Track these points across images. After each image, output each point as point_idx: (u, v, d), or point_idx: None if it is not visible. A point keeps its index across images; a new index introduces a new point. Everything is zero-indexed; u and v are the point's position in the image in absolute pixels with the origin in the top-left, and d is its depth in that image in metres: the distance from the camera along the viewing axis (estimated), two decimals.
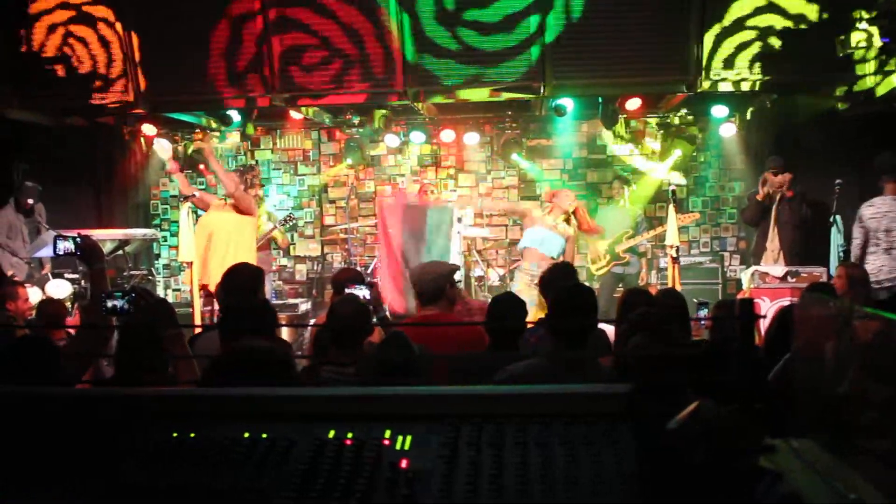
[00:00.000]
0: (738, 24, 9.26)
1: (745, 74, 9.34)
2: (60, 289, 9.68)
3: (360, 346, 4.94)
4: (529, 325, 5.82)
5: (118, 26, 9.82)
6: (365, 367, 4.41)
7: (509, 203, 10.27)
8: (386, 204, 10.15)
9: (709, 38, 9.30)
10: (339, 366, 4.68)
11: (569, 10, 9.37)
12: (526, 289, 8.85)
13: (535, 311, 7.76)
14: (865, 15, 8.21)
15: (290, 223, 11.85)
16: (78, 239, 4.87)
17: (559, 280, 6.04)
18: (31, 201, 10.35)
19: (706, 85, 9.46)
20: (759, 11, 9.21)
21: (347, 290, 5.68)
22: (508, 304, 5.41)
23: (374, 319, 5.64)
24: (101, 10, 9.78)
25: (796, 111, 10.62)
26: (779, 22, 9.15)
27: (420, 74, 9.70)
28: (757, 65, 9.27)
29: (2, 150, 10.37)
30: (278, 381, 3.01)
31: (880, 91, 8.56)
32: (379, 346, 4.32)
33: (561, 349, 4.23)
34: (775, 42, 9.21)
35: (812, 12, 9.01)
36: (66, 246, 4.91)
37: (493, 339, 5.22)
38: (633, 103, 10.75)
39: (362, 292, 5.60)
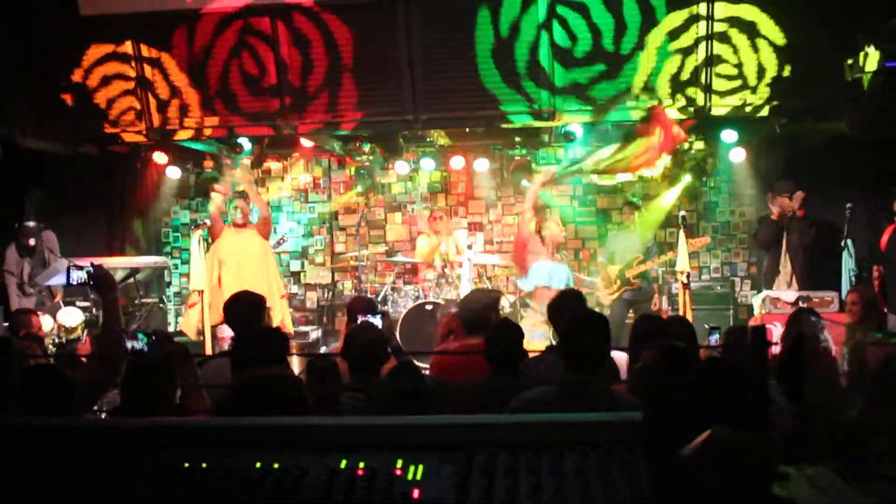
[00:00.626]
0: (746, 49, 9.29)
1: (754, 100, 9.36)
2: (72, 317, 9.70)
3: (377, 373, 4.95)
4: (536, 353, 5.81)
5: (130, 61, 9.92)
6: (377, 396, 4.41)
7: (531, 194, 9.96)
8: None
9: (717, 64, 9.33)
10: (357, 392, 4.69)
11: (573, 37, 9.44)
12: (539, 325, 8.79)
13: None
14: (872, 39, 8.22)
15: (282, 244, 11.90)
16: (91, 269, 4.88)
17: (569, 307, 6.02)
18: (32, 242, 10.38)
19: (715, 110, 9.48)
20: (766, 37, 9.25)
21: (360, 319, 5.69)
22: (507, 330, 5.39)
23: (389, 348, 5.64)
24: (120, 47, 9.92)
25: (806, 135, 10.61)
26: (786, 47, 9.18)
27: (429, 103, 9.75)
28: (765, 90, 9.30)
29: (16, 178, 10.41)
30: (291, 411, 3.01)
31: (888, 114, 8.56)
32: (389, 375, 4.32)
33: (573, 377, 4.21)
34: (783, 67, 9.23)
35: (820, 37, 9.04)
36: (79, 276, 4.92)
37: (495, 367, 5.18)
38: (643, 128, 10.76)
39: (377, 320, 5.61)
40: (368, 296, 11.95)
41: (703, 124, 10.65)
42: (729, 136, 11.01)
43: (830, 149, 10.29)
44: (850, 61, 8.44)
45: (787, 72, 9.21)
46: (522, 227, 9.60)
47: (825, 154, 10.56)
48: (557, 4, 9.40)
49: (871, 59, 8.26)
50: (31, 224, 10.42)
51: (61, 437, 2.33)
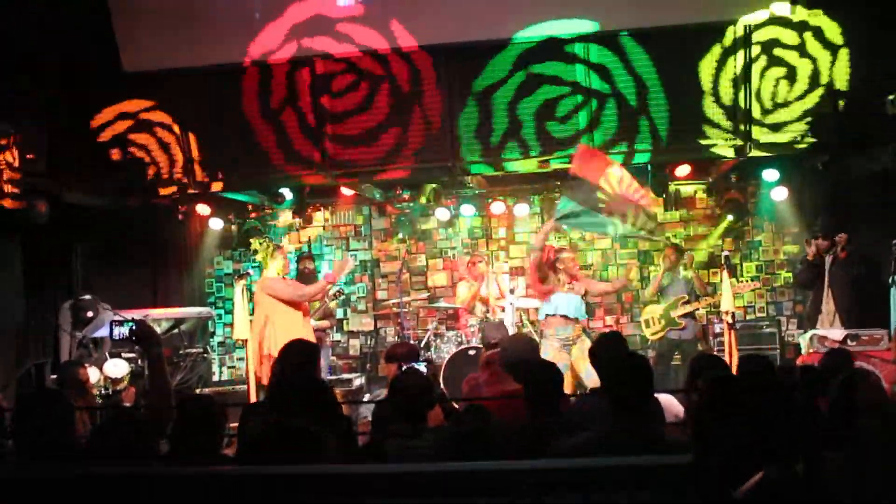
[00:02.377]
0: (786, 87, 9.29)
1: (795, 138, 9.34)
2: (118, 368, 9.75)
3: (425, 418, 4.96)
4: (576, 395, 5.79)
5: (172, 113, 10.12)
6: (441, 442, 4.43)
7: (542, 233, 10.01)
8: None
9: (755, 103, 9.34)
10: (406, 438, 4.69)
11: (612, 81, 9.51)
12: (557, 354, 8.80)
13: (567, 376, 7.74)
14: None
15: (341, 297, 11.93)
16: (133, 325, 4.91)
17: (612, 350, 6.00)
18: (90, 314, 10.45)
19: (756, 150, 9.46)
20: (805, 74, 9.24)
21: (406, 365, 5.72)
22: (547, 372, 5.38)
23: (434, 395, 5.64)
24: (158, 105, 10.13)
25: (848, 171, 10.54)
26: (826, 83, 9.16)
27: (468, 148, 9.85)
28: (806, 127, 9.27)
29: (62, 233, 10.56)
30: (306, 461, 3.01)
31: None
32: (455, 420, 4.35)
33: (621, 420, 4.18)
34: (824, 104, 9.21)
35: (859, 72, 9.03)
36: (121, 331, 4.98)
37: (533, 409, 5.16)
38: (683, 170, 10.75)
39: (423, 367, 5.64)
40: (411, 342, 11.95)
41: (745, 164, 10.64)
42: (770, 174, 10.98)
43: (873, 184, 10.21)
44: (891, 96, 8.40)
45: (827, 108, 9.19)
46: (532, 264, 9.66)
47: (868, 189, 10.47)
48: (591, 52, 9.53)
49: None
50: (87, 297, 10.51)
51: (116, 485, 2.35)
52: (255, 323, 9.37)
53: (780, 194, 11.59)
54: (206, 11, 9.92)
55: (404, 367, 5.69)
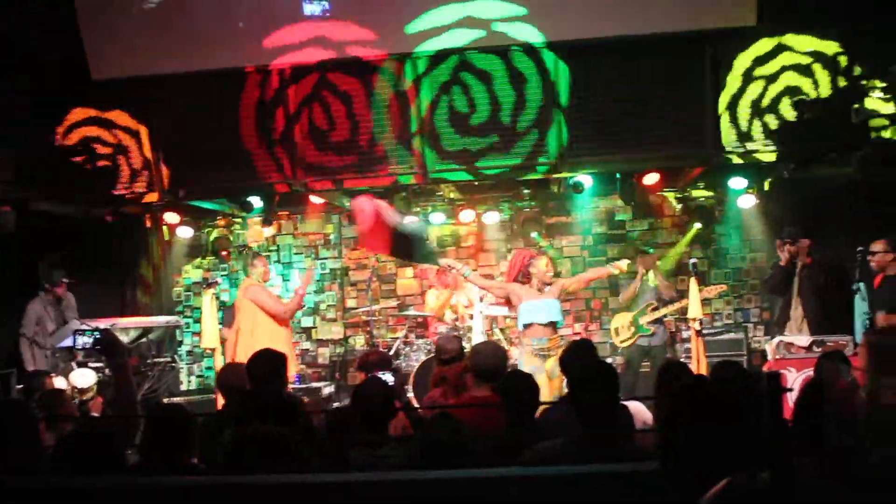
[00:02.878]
0: (753, 97, 9.40)
1: (762, 146, 9.44)
2: (85, 378, 9.68)
3: (386, 427, 4.95)
4: (545, 404, 5.79)
5: (141, 121, 10.09)
6: (413, 449, 4.42)
7: (487, 283, 10.03)
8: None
9: (724, 112, 9.43)
10: (369, 448, 4.68)
11: (584, 89, 9.57)
12: (529, 357, 8.75)
13: (542, 381, 7.71)
14: (879, 84, 8.29)
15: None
16: (97, 334, 4.86)
17: (581, 358, 6.01)
18: (60, 290, 10.42)
19: (723, 158, 9.55)
20: (772, 83, 9.35)
21: (374, 374, 5.70)
22: (521, 382, 5.38)
23: (400, 403, 5.64)
24: (126, 113, 10.07)
25: (815, 180, 10.64)
26: (793, 93, 9.27)
27: (437, 156, 9.88)
28: (773, 136, 9.38)
29: (29, 242, 10.47)
30: (282, 468, 3.01)
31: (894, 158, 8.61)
32: (425, 428, 4.35)
33: (588, 429, 4.20)
34: (790, 113, 9.32)
35: (826, 83, 9.14)
36: (84, 341, 4.94)
37: (510, 419, 5.17)
38: (652, 178, 10.82)
39: (389, 377, 5.62)
40: (381, 350, 11.95)
41: (712, 172, 10.72)
42: (737, 182, 11.06)
43: (840, 193, 10.31)
44: (856, 106, 8.49)
45: (793, 118, 9.29)
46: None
47: (835, 198, 10.57)
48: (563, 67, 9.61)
49: (878, 104, 8.32)
50: (58, 270, 10.47)
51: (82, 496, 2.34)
52: (241, 331, 9.36)
53: (747, 202, 11.68)
54: (175, 20, 9.91)
55: (373, 374, 5.68)
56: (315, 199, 11.82)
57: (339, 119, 10.06)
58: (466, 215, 12.51)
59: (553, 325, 8.91)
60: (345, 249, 13.71)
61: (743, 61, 9.50)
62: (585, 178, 10.50)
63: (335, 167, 10.22)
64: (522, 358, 8.90)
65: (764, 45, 9.43)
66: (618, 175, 11.07)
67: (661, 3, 9.44)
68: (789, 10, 9.16)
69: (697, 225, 12.42)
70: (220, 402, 8.69)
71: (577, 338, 11.99)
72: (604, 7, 9.55)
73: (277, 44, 9.83)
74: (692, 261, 9.66)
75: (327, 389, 11.81)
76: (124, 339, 10.21)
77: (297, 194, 11.34)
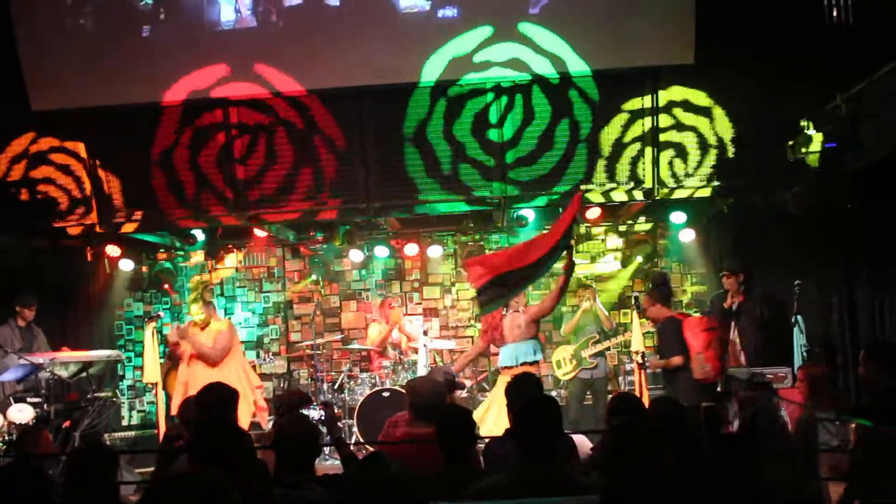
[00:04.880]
0: (692, 133, 9.56)
1: (701, 182, 9.61)
2: (23, 413, 9.54)
3: (311, 467, 4.89)
4: (487, 439, 5.80)
5: (81, 153, 10.02)
6: (343, 489, 4.40)
7: (468, 355, 10.05)
8: None
9: (664, 148, 9.59)
10: (290, 488, 4.63)
11: (526, 126, 9.68)
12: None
13: None
14: (812, 122, 8.47)
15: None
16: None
17: (524, 392, 6.01)
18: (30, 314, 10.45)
19: (663, 193, 9.70)
20: (710, 120, 9.54)
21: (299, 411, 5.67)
22: (458, 418, 5.31)
23: (330, 439, 5.59)
24: (67, 144, 10.01)
25: (753, 214, 10.82)
26: (730, 130, 9.47)
27: (382, 190, 9.92)
28: (711, 172, 9.56)
29: None
30: None
31: (829, 193, 8.77)
32: (358, 467, 4.32)
33: (528, 463, 4.21)
34: (728, 149, 9.51)
35: (762, 120, 9.34)
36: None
37: (446, 455, 5.15)
38: (593, 212, 10.93)
39: (316, 413, 5.59)
40: (299, 389, 11.95)
41: (653, 206, 10.86)
42: (678, 217, 11.22)
43: (777, 227, 10.48)
44: (790, 142, 8.67)
45: (730, 154, 9.48)
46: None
47: (773, 232, 10.74)
48: (505, 99, 9.71)
49: (812, 140, 8.49)
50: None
51: None
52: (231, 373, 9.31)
53: (687, 236, 11.84)
54: (111, 53, 9.87)
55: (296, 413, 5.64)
56: (259, 233, 11.79)
57: (282, 152, 10.06)
58: (410, 249, 12.55)
59: (527, 366, 8.90)
60: (288, 283, 13.66)
61: (679, 97, 9.68)
62: (528, 212, 10.59)
63: (278, 200, 10.20)
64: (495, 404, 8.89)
65: (699, 81, 9.62)
66: (560, 209, 11.17)
67: (602, 40, 9.59)
68: (726, 48, 9.34)
69: (639, 258, 12.59)
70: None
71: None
72: (544, 41, 9.67)
73: (217, 77, 9.82)
74: (634, 294, 9.76)
75: (270, 425, 11.72)
76: (64, 373, 10.09)
77: (241, 228, 11.31)
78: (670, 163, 9.81)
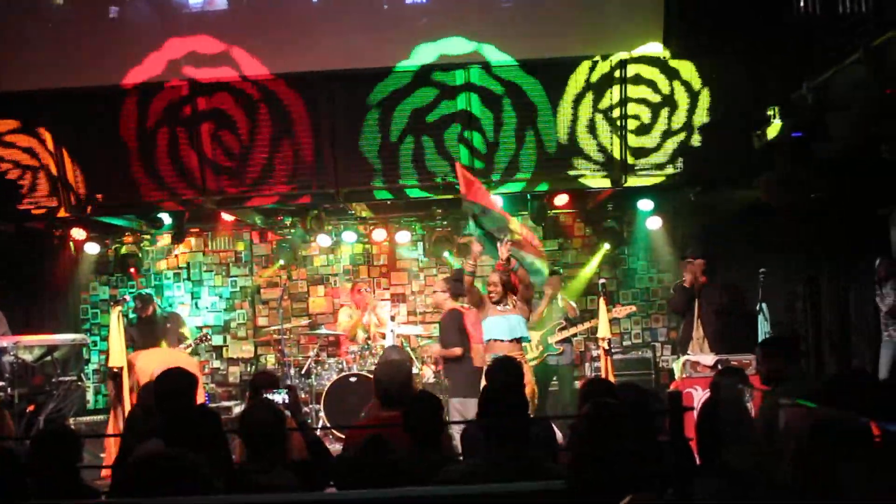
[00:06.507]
0: (659, 122, 9.60)
1: (668, 170, 9.66)
2: None
3: (277, 452, 4.87)
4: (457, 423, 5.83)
5: (46, 135, 9.90)
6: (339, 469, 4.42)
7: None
8: None
9: (631, 135, 9.62)
10: (261, 473, 4.62)
11: (495, 110, 9.67)
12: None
13: None
14: (779, 111, 8.53)
15: (205, 342, 11.99)
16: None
17: (501, 376, 5.98)
18: None
19: (631, 180, 9.74)
20: (678, 109, 9.58)
21: (265, 395, 5.65)
22: (427, 403, 5.31)
23: (296, 423, 5.58)
24: (35, 122, 9.93)
25: (720, 203, 10.90)
26: (697, 119, 9.51)
27: (350, 175, 9.89)
28: (678, 160, 9.61)
29: None
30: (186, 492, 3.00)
31: (795, 182, 8.85)
32: (361, 449, 4.36)
33: (497, 448, 4.23)
34: (695, 138, 9.56)
35: (729, 109, 9.40)
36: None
37: (415, 440, 5.12)
38: (561, 199, 10.97)
39: (280, 397, 5.56)
40: (268, 370, 11.97)
41: (620, 194, 10.91)
42: (645, 205, 11.29)
43: (744, 216, 10.56)
44: (757, 132, 8.73)
45: (697, 143, 9.53)
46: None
47: (739, 221, 10.83)
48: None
49: (779, 129, 8.56)
50: None
51: None
52: None
53: (654, 224, 11.92)
54: (78, 33, 9.77)
55: (261, 397, 5.62)
56: (226, 217, 11.73)
57: (251, 136, 10.00)
58: (379, 234, 12.54)
59: (517, 342, 8.85)
60: (256, 267, 13.61)
61: (647, 86, 9.71)
62: (497, 198, 10.60)
63: (247, 184, 10.16)
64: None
65: (668, 70, 9.66)
66: (528, 195, 11.22)
67: (570, 27, 9.60)
68: (694, 38, 9.39)
69: (606, 246, 12.64)
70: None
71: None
72: (516, 30, 9.67)
73: (188, 62, 9.74)
74: (601, 281, 9.82)
75: (237, 408, 11.70)
76: (28, 357, 10.01)
77: (208, 211, 11.25)
78: (637, 150, 9.84)
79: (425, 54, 9.69)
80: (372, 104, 9.82)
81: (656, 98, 9.75)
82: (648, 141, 9.83)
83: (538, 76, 9.73)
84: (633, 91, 9.79)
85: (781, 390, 6.45)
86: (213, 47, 9.73)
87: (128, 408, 9.10)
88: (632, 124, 9.77)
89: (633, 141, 9.77)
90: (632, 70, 9.74)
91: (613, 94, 9.73)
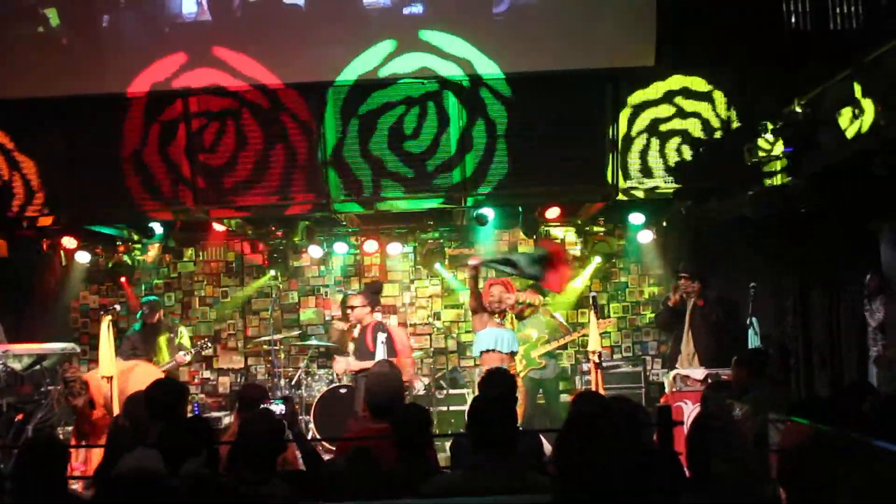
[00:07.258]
0: (651, 135, 9.61)
1: (660, 183, 9.67)
2: None
3: (274, 464, 4.86)
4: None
5: (38, 145, 9.87)
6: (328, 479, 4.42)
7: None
8: None
9: (623, 149, 9.63)
10: (253, 485, 4.61)
11: (490, 124, 9.66)
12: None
13: None
14: (771, 125, 8.56)
15: (205, 351, 12.04)
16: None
17: (493, 388, 6.01)
18: None
19: (622, 194, 9.74)
20: (670, 122, 9.59)
21: (263, 406, 5.65)
22: (416, 415, 5.35)
23: (291, 435, 5.57)
24: (24, 130, 9.89)
25: (710, 217, 10.91)
26: (690, 132, 9.53)
27: (343, 186, 9.87)
28: (670, 174, 9.61)
29: None
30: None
31: (786, 197, 8.87)
32: (348, 460, 4.36)
33: (482, 460, 4.22)
34: (687, 151, 9.57)
35: (721, 123, 9.43)
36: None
37: (403, 451, 5.15)
38: (553, 212, 10.98)
39: (278, 408, 5.56)
40: (256, 384, 11.95)
41: (611, 207, 10.92)
42: (636, 218, 11.31)
43: (735, 230, 10.58)
44: (749, 146, 8.75)
45: (689, 156, 9.54)
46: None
47: (730, 235, 10.85)
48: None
49: (770, 144, 8.58)
50: None
51: None
52: None
53: (645, 237, 11.94)
54: (69, 41, 9.73)
55: (260, 408, 5.61)
56: (217, 227, 11.72)
57: (242, 144, 9.97)
58: (370, 245, 12.54)
59: (511, 356, 9.02)
60: (247, 278, 13.60)
61: (640, 100, 9.71)
62: (488, 211, 10.61)
63: (238, 194, 10.13)
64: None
65: (660, 85, 9.66)
66: (520, 208, 11.22)
67: (562, 41, 9.60)
68: (687, 52, 9.40)
69: (598, 259, 12.65)
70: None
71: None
72: (507, 42, 9.66)
73: (177, 68, 9.71)
74: (592, 294, 9.81)
75: (227, 419, 11.67)
76: (17, 366, 9.97)
77: (199, 221, 11.23)
78: (630, 163, 9.83)
79: (414, 63, 9.66)
80: (363, 114, 9.78)
81: (648, 112, 9.75)
82: (640, 154, 9.82)
83: (528, 89, 9.71)
84: (625, 105, 9.78)
85: (746, 401, 6.50)
86: (205, 57, 9.70)
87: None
88: (622, 137, 9.76)
89: (624, 154, 9.77)
90: (622, 85, 9.75)
91: (606, 111, 9.72)
